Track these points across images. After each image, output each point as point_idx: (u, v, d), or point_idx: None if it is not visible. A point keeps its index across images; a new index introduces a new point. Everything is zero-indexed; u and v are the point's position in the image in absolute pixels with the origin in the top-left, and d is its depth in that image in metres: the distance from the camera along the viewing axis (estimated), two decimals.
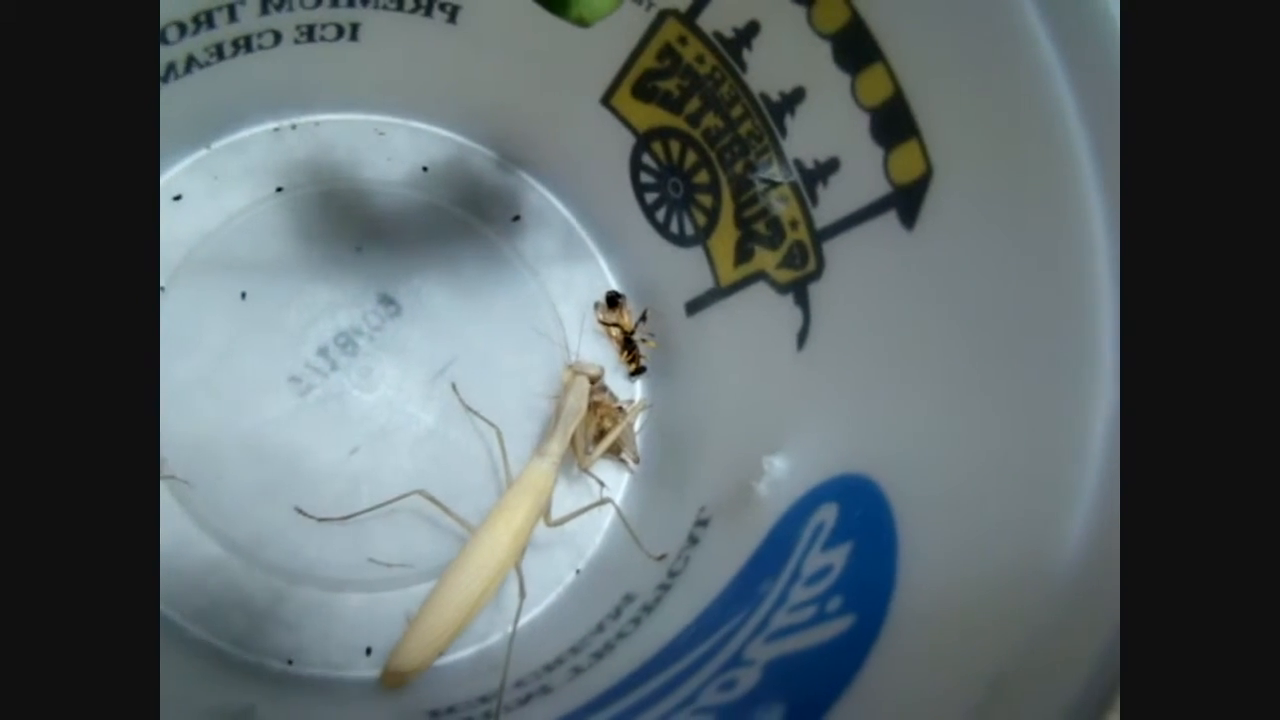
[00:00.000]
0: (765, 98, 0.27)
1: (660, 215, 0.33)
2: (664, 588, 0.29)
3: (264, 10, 0.29)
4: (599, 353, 0.35)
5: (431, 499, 0.30)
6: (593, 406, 0.32)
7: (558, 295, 0.35)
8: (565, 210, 0.36)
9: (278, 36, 0.30)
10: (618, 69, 0.30)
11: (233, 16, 0.28)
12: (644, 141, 0.32)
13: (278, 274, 0.32)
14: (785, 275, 0.28)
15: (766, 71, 0.27)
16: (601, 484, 0.33)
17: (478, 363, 0.33)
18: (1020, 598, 0.18)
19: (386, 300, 0.33)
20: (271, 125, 0.34)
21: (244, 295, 0.32)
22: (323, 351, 0.32)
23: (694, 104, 0.29)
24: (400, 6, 0.30)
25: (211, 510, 0.30)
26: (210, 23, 0.28)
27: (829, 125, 0.25)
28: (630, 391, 0.35)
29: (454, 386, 0.33)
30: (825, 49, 0.24)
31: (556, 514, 0.31)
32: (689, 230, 0.32)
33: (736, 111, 0.28)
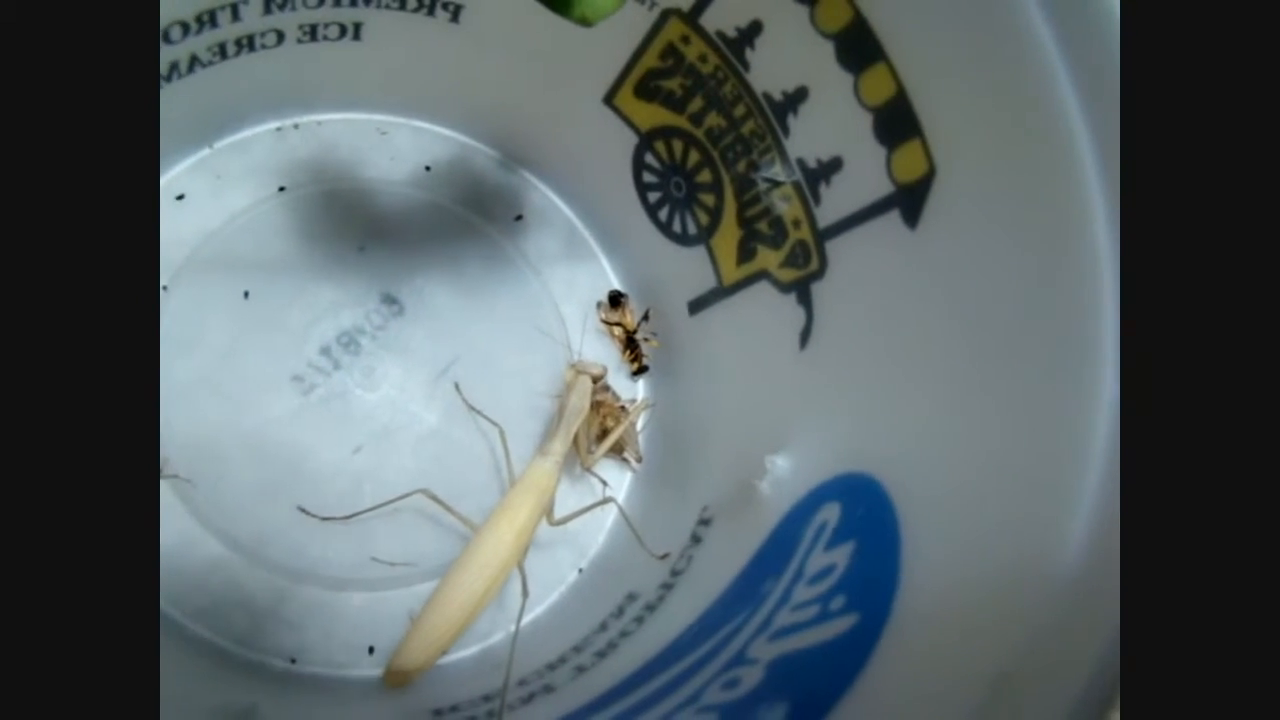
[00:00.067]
0: (768, 97, 0.27)
1: (663, 214, 0.33)
2: (667, 587, 0.29)
3: (267, 10, 0.29)
4: (601, 352, 0.35)
5: (434, 498, 0.30)
6: (595, 406, 0.32)
7: (560, 294, 0.35)
8: (568, 209, 0.36)
9: (280, 36, 0.30)
10: (620, 68, 0.30)
11: (236, 16, 0.28)
12: (646, 141, 0.32)
13: (280, 273, 0.32)
14: (788, 274, 0.28)
15: (769, 71, 0.27)
16: (604, 483, 0.33)
17: (480, 362, 0.33)
18: (1023, 597, 0.18)
19: (389, 299, 0.33)
20: (274, 124, 0.34)
21: (247, 294, 0.32)
22: (325, 351, 0.32)
23: (697, 103, 0.29)
24: (403, 6, 0.30)
25: (214, 509, 0.30)
26: (213, 22, 0.28)
27: (832, 125, 0.25)
28: (633, 391, 0.35)
29: (457, 386, 0.33)
30: (828, 48, 0.24)
31: (559, 513, 0.31)
32: (691, 229, 0.32)
33: (739, 111, 0.28)
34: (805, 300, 0.28)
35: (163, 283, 0.31)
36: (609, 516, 0.33)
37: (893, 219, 0.24)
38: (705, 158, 0.30)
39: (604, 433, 0.33)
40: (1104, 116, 0.19)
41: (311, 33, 0.30)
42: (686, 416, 0.33)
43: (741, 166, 0.29)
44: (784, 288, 0.29)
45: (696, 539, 0.30)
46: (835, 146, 0.26)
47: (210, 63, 0.29)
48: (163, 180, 0.32)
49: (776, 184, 0.28)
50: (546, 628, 0.31)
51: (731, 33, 0.27)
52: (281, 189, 0.33)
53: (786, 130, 0.27)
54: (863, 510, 0.23)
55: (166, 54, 0.28)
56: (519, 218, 0.35)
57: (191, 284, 0.31)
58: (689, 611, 0.27)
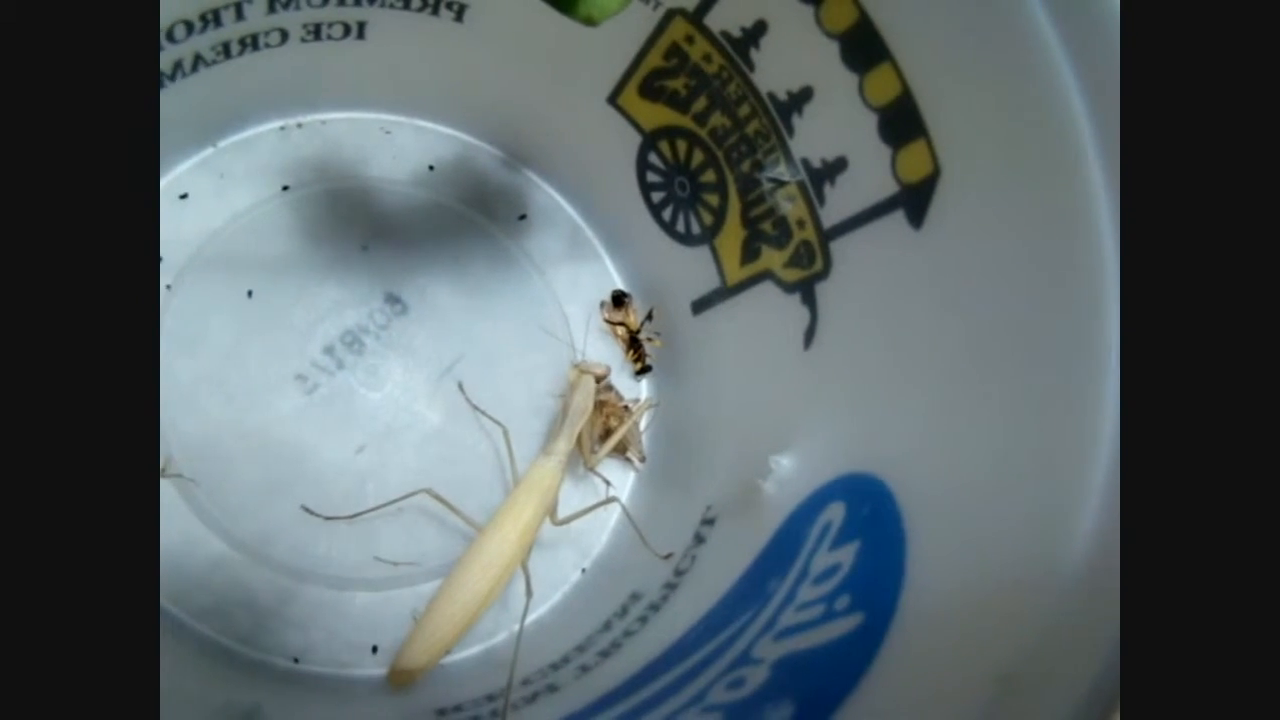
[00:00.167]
0: (773, 97, 0.27)
1: (667, 214, 0.33)
2: (670, 586, 0.29)
3: (271, 9, 0.29)
4: (605, 352, 0.35)
5: (438, 498, 0.30)
6: (599, 405, 0.33)
7: (564, 294, 0.35)
8: (571, 209, 0.36)
9: (284, 35, 0.30)
10: (624, 68, 0.30)
11: (240, 15, 0.28)
12: (650, 140, 0.32)
13: (284, 272, 0.32)
14: (792, 274, 0.28)
15: (774, 71, 0.27)
16: (608, 483, 0.33)
17: (484, 361, 0.33)
18: (1028, 597, 0.18)
19: (393, 299, 0.33)
20: (278, 124, 0.34)
21: (250, 294, 0.32)
22: (329, 350, 0.32)
23: (701, 103, 0.29)
24: (407, 5, 0.30)
25: (217, 508, 0.30)
26: (217, 21, 0.28)
27: (837, 124, 0.25)
28: (636, 390, 0.35)
29: (460, 385, 0.33)
30: (833, 48, 0.24)
31: (563, 513, 0.31)
32: (695, 229, 0.32)
33: (744, 110, 0.28)
34: (809, 300, 0.28)
35: (166, 282, 0.31)
36: (612, 516, 0.33)
37: (897, 219, 0.24)
38: (709, 158, 0.30)
39: (607, 432, 0.33)
40: (1109, 116, 0.19)
41: (315, 32, 0.30)
42: (690, 416, 0.33)
43: (746, 166, 0.29)
44: (788, 288, 0.29)
45: (700, 539, 0.30)
46: (840, 146, 0.26)
47: (214, 62, 0.29)
48: (166, 179, 0.32)
49: (781, 184, 0.28)
50: (550, 627, 0.31)
51: (736, 32, 0.27)
52: (285, 188, 0.33)
53: (791, 130, 0.27)
54: (867, 510, 0.23)
55: (170, 53, 0.28)
56: (522, 217, 0.35)
57: (195, 283, 0.31)
58: (693, 611, 0.27)
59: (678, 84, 0.30)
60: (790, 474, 0.27)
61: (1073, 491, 0.18)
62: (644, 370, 0.35)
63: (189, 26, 0.28)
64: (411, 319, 0.33)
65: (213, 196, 0.32)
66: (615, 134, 0.32)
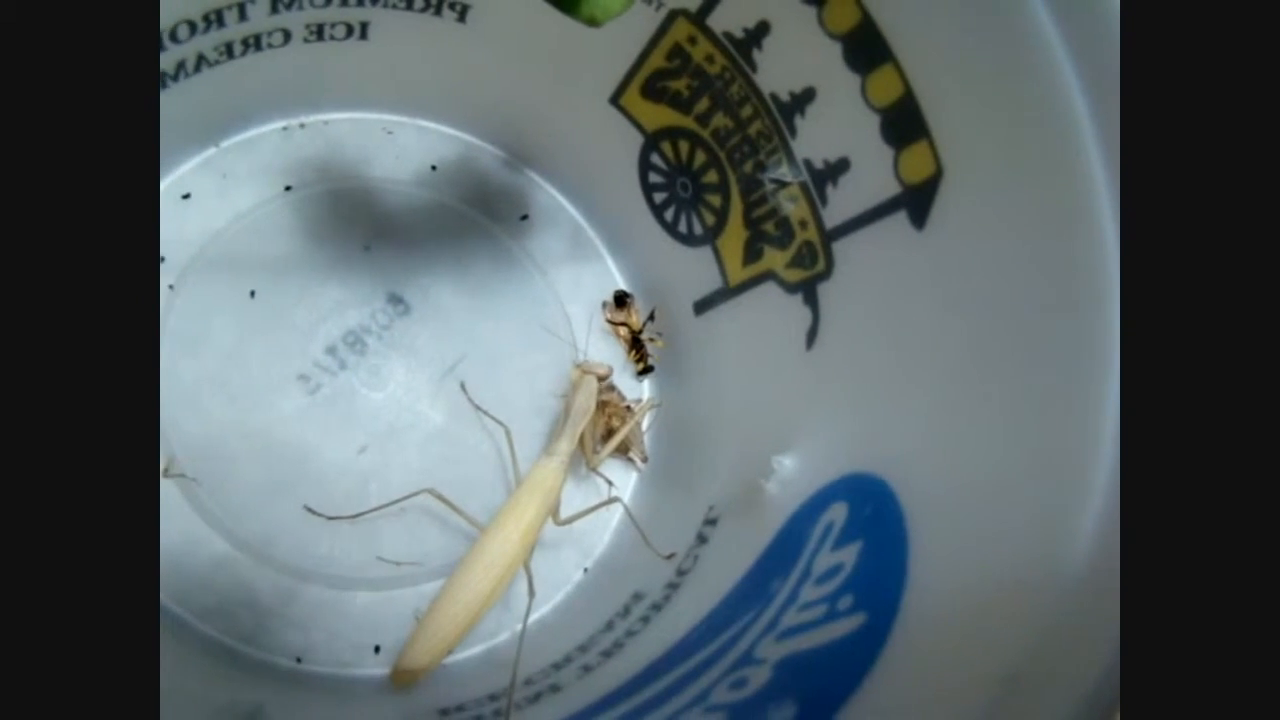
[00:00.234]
0: (775, 98, 0.27)
1: (669, 215, 0.33)
2: (673, 586, 0.29)
3: (274, 9, 0.29)
4: (607, 352, 0.35)
5: (440, 497, 0.30)
6: (601, 405, 0.33)
7: (566, 294, 0.35)
8: (573, 209, 0.36)
9: (287, 35, 0.30)
10: (627, 69, 0.30)
11: (242, 15, 0.28)
12: (653, 141, 0.32)
13: (286, 272, 0.32)
14: (794, 275, 0.28)
15: (776, 71, 0.27)
16: (610, 483, 0.33)
17: (486, 361, 0.33)
18: (1031, 597, 0.18)
19: (395, 299, 0.33)
20: (280, 124, 0.34)
21: (253, 294, 0.32)
22: (331, 350, 0.32)
23: (703, 104, 0.29)
24: (410, 6, 0.30)
25: (220, 508, 0.30)
26: (220, 21, 0.28)
27: (839, 125, 0.25)
28: (638, 391, 0.35)
29: (462, 385, 0.33)
30: (836, 49, 0.24)
31: (565, 513, 0.31)
32: (697, 230, 0.32)
33: (746, 111, 0.28)
34: (812, 301, 0.28)
35: (169, 282, 0.31)
36: (615, 516, 0.33)
37: (900, 220, 0.24)
38: (711, 158, 0.30)
39: (609, 433, 0.33)
40: (1110, 117, 0.19)
41: (318, 32, 0.30)
42: (692, 416, 0.33)
43: (748, 167, 0.29)
44: (790, 288, 0.29)
45: (703, 539, 0.30)
46: (842, 147, 0.26)
47: (217, 62, 0.29)
48: (168, 180, 0.32)
49: (783, 184, 0.28)
50: (552, 627, 0.31)
51: (739, 33, 0.27)
52: (288, 188, 0.33)
53: (793, 131, 0.27)
54: (870, 510, 0.23)
55: (173, 53, 0.28)
56: (525, 217, 0.35)
57: (197, 283, 0.31)
58: (695, 611, 0.27)
59: (680, 85, 0.30)
60: (792, 474, 0.27)
61: (1074, 491, 0.18)
62: (646, 370, 0.35)
63: (192, 27, 0.28)
64: (414, 319, 0.33)
65: (215, 197, 0.32)
66: (618, 135, 0.32)
